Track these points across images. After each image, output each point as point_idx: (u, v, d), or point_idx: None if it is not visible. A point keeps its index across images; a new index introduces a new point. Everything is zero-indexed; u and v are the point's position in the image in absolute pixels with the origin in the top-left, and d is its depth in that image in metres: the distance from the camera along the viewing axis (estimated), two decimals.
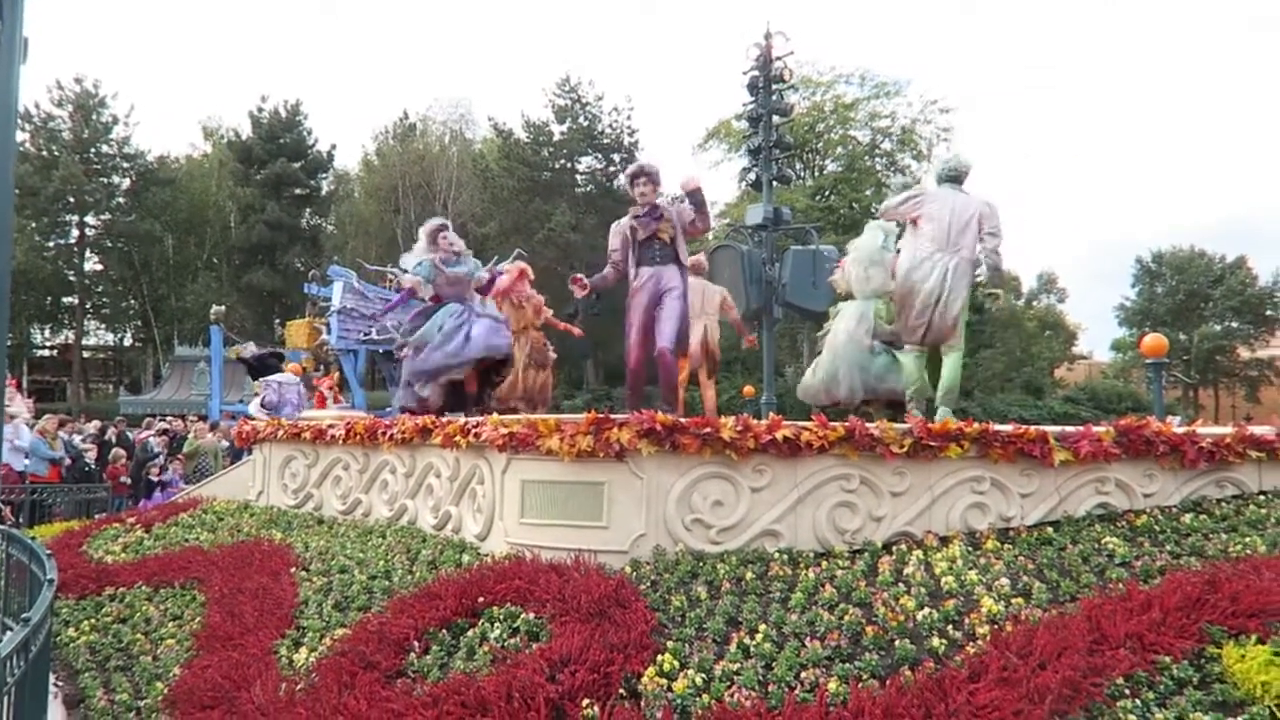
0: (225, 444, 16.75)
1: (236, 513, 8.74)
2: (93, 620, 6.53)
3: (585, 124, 41.96)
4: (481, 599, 4.83)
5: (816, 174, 41.41)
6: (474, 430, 6.17)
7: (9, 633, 2.99)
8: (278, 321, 38.46)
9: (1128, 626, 3.95)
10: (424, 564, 5.93)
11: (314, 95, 72.20)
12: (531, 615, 4.58)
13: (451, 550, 6.10)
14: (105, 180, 41.99)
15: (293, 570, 6.31)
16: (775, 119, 16.45)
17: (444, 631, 4.65)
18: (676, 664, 4.07)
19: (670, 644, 4.23)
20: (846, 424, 5.76)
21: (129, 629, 6.25)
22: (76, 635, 6.33)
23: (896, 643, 4.19)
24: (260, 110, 43.96)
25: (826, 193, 39.59)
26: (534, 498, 5.76)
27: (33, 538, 6.78)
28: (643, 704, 3.81)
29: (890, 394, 7.67)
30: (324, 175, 46.25)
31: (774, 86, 16.21)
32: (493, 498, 6.12)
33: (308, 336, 24.23)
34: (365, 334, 20.55)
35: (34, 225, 39.57)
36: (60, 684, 5.60)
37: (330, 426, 8.26)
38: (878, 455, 5.70)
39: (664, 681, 3.94)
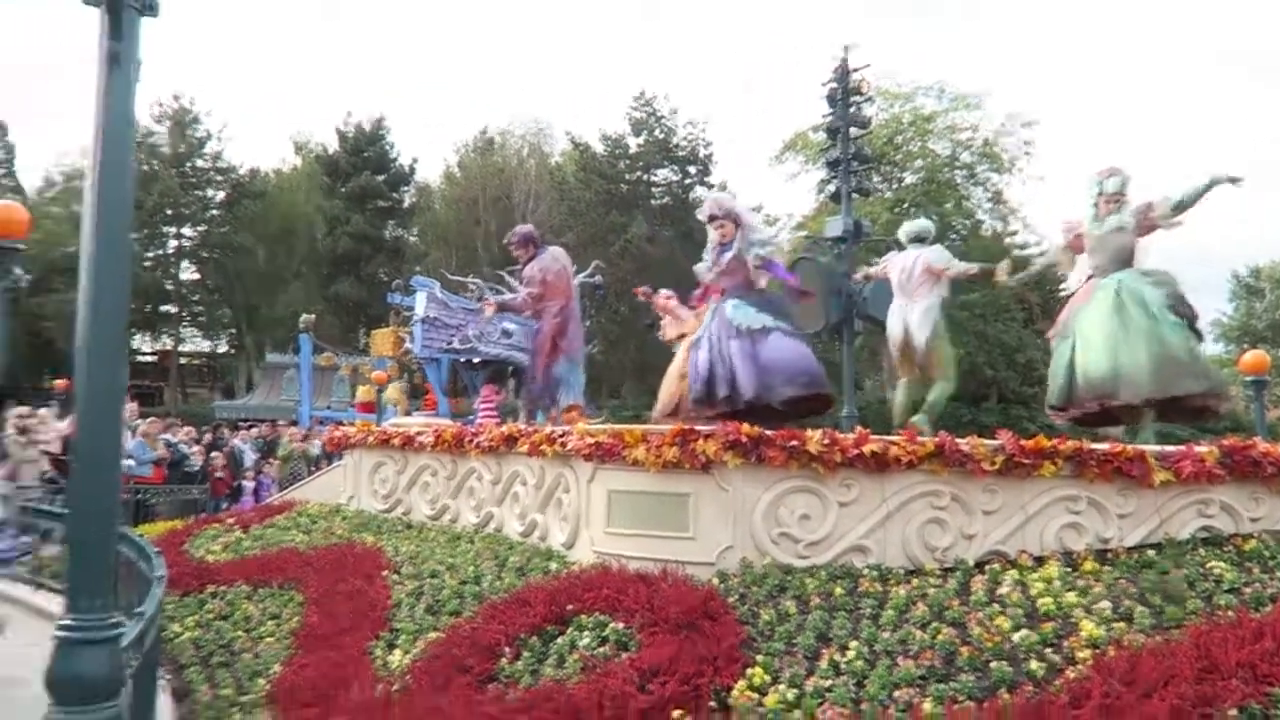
0: (316, 448, 17.27)
1: (329, 516, 9.00)
2: (196, 617, 6.77)
3: (661, 137, 42.13)
4: (570, 607, 4.89)
5: (895, 186, 40.81)
6: (560, 439, 6.26)
7: (127, 626, 3.14)
8: (363, 330, 39.47)
9: (1239, 655, 3.81)
10: (512, 570, 6.03)
11: (397, 111, 74.02)
12: (620, 625, 4.62)
13: (539, 558, 6.19)
14: (200, 194, 43.71)
15: (385, 573, 6.47)
16: (853, 131, 16.31)
17: (534, 638, 4.72)
18: (767, 678, 4.07)
19: (760, 658, 4.22)
20: (936, 439, 5.68)
21: (230, 626, 6.47)
22: (181, 631, 6.57)
23: (992, 664, 4.11)
24: (346, 125, 45.25)
25: (906, 205, 38.95)
26: (620, 508, 5.81)
27: (140, 535, 7.10)
28: (733, 717, 3.81)
29: None
30: (406, 188, 47.32)
31: (852, 99, 16.08)
32: (578, 507, 6.20)
33: (393, 345, 24.90)
34: (448, 343, 21.05)
35: (135, 236, 41.43)
36: (168, 677, 5.83)
37: (419, 433, 8.46)
38: (968, 472, 5.60)
39: (754, 695, 3.94)
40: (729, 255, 7.17)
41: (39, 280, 29.66)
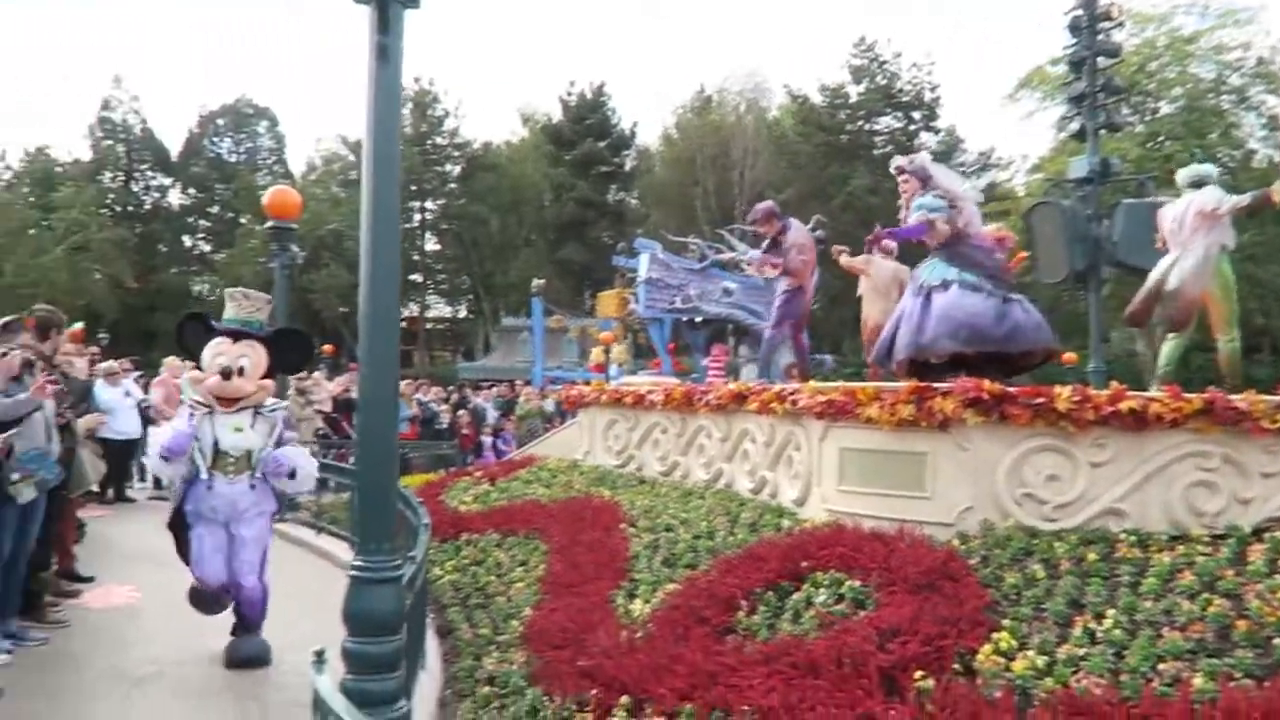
0: (550, 407, 18.18)
1: (567, 470, 9.49)
2: (453, 561, 7.35)
3: (883, 83, 40.47)
4: (805, 563, 4.91)
5: (1148, 118, 37.00)
6: (790, 397, 6.25)
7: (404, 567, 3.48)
8: (589, 293, 40.91)
9: None
10: (744, 526, 6.13)
11: (616, 77, 75.56)
12: (857, 583, 4.59)
13: (770, 514, 6.25)
14: (440, 169, 46.70)
15: (622, 526, 6.76)
16: (1101, 61, 14.88)
17: (769, 593, 4.79)
18: (1014, 643, 3.92)
19: (1007, 622, 4.07)
20: (1205, 396, 5.19)
21: (484, 571, 6.98)
22: (441, 574, 7.17)
23: (1275, 640, 3.75)
24: (569, 95, 46.71)
25: (1162, 139, 35.27)
26: (853, 466, 5.75)
27: (404, 487, 7.80)
28: (979, 681, 3.71)
29: None
30: (627, 152, 48.32)
31: (1100, 25, 14.67)
32: (809, 464, 6.18)
33: (617, 306, 25.63)
34: (671, 303, 21.43)
35: None
36: (432, 615, 6.40)
37: (649, 392, 8.71)
38: (1243, 431, 5.09)
39: (1001, 660, 3.81)
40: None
41: (309, 258, 32.76)
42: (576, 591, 5.61)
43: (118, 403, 10.89)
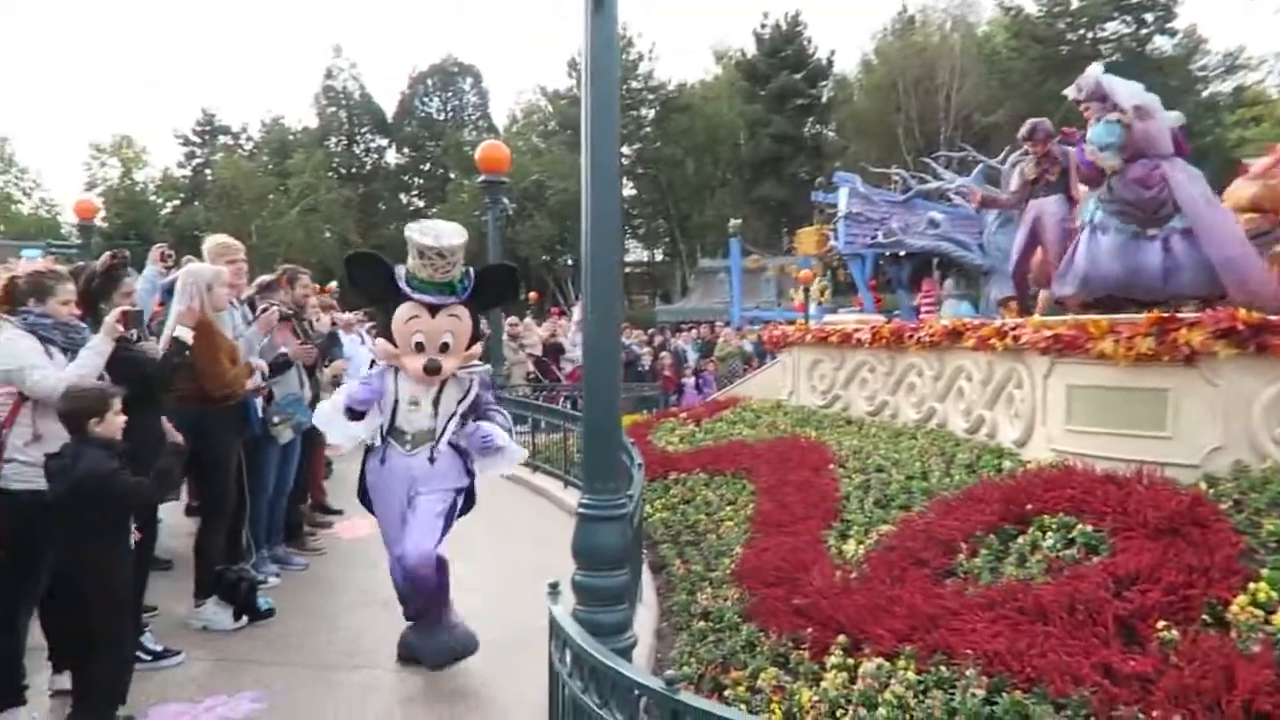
0: (749, 347, 18.16)
1: (771, 411, 9.47)
2: (663, 500, 7.54)
3: None
4: (1030, 506, 4.68)
5: None
6: (1011, 333, 5.92)
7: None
8: (786, 230, 40.31)
9: None
10: (961, 467, 5.91)
11: (812, 5, 72.89)
12: (1089, 527, 4.33)
13: (989, 455, 5.99)
14: (635, 114, 47.06)
15: (831, 466, 6.69)
16: None
17: (991, 536, 4.61)
18: (1275, 595, 3.58)
19: (1266, 571, 3.72)
20: None
21: (693, 509, 7.12)
22: (652, 512, 7.39)
23: None
24: (763, 27, 45.67)
25: None
26: (1082, 404, 5.40)
27: None
28: (1233, 635, 3.43)
29: None
30: (824, 83, 46.88)
31: None
32: (1033, 403, 5.86)
33: (817, 243, 25.10)
34: (872, 237, 20.71)
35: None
36: (646, 552, 6.61)
37: (855, 330, 8.51)
38: None
39: (1258, 613, 3.49)
40: None
41: (516, 210, 34.09)
42: (787, 530, 5.63)
43: (355, 351, 11.83)
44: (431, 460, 4.31)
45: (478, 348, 4.35)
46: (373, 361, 4.54)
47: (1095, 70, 6.86)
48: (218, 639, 4.95)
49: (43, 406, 3.82)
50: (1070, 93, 6.90)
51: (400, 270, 4.21)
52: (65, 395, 3.72)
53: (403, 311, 4.16)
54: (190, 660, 4.64)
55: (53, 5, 79.28)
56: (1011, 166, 8.16)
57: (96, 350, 3.89)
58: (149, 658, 4.51)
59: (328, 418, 4.41)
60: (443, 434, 4.31)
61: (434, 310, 4.16)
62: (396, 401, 4.30)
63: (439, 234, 4.11)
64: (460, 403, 4.33)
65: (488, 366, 4.43)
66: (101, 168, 54.03)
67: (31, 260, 7.26)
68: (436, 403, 4.29)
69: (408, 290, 4.17)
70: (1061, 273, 6.71)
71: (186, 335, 4.62)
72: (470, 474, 4.47)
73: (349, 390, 4.35)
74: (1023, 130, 8.10)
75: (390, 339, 4.22)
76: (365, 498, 4.57)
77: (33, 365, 3.79)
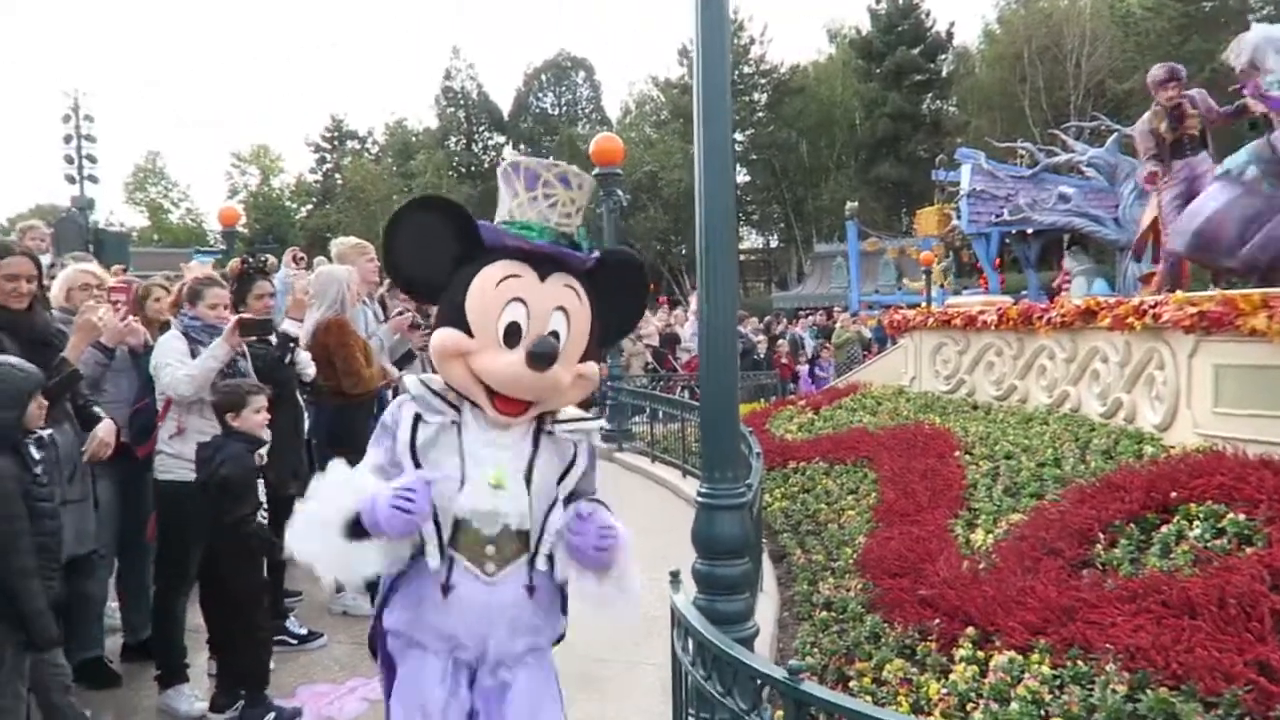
0: (869, 332, 17.80)
1: (893, 397, 9.26)
2: (782, 489, 7.48)
3: None
4: (1174, 494, 4.43)
5: None
6: (1151, 310, 5.62)
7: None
8: (904, 211, 39.25)
9: None
10: (1097, 453, 5.65)
11: None
12: (1241, 516, 4.07)
13: (1128, 440, 5.70)
14: (747, 99, 46.63)
15: (957, 453, 6.50)
16: None
17: (1131, 525, 4.39)
18: None
19: None
20: None
21: (813, 499, 7.03)
22: (771, 501, 7.33)
23: None
24: (878, 3, 44.50)
25: None
26: (1231, 384, 5.09)
27: None
28: None
29: None
30: (943, 56, 45.42)
31: None
32: (1176, 384, 5.55)
33: (938, 223, 24.34)
34: (998, 215, 19.94)
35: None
36: (766, 542, 6.58)
37: (981, 312, 8.24)
38: None
39: None
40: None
41: (631, 201, 34.37)
42: (912, 520, 5.50)
43: None
44: (531, 590, 2.28)
45: (594, 367, 2.34)
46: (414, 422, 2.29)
47: (1260, 30, 6.38)
48: (358, 623, 5.17)
49: (185, 403, 4.11)
50: (1229, 57, 6.42)
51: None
52: (212, 389, 3.99)
53: (492, 272, 2.20)
54: (332, 643, 4.88)
55: (185, 23, 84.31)
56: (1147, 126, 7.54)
57: (211, 354, 4.13)
58: (294, 641, 4.78)
59: (311, 533, 2.20)
60: (540, 537, 2.27)
61: (544, 271, 2.22)
62: (463, 479, 2.21)
63: (553, 159, 2.49)
64: (561, 481, 2.32)
65: (601, 422, 2.52)
66: (242, 175, 57.32)
67: (202, 265, 7.78)
68: (529, 478, 2.26)
69: (501, 235, 2.24)
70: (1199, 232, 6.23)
71: (294, 329, 4.87)
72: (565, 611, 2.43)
73: (367, 491, 2.16)
74: (1154, 74, 7.55)
75: (460, 324, 2.21)
76: (383, 646, 2.40)
77: (168, 364, 4.11)
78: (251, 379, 4.27)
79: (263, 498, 3.94)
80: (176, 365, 4.10)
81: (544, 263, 2.22)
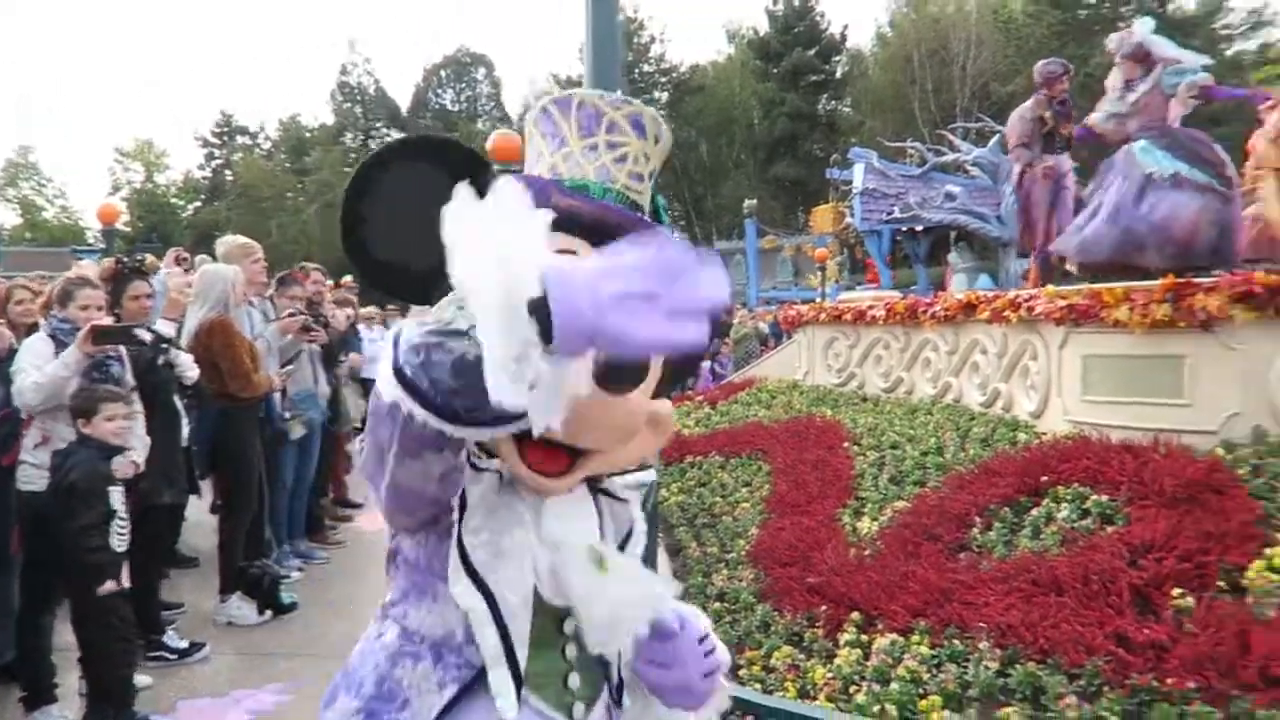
0: (765, 328, 18.09)
1: (787, 391, 9.44)
2: (679, 484, 7.54)
3: None
4: (1045, 478, 4.66)
5: None
6: (1025, 304, 5.87)
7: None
8: (801, 209, 40.06)
9: None
10: (976, 441, 5.88)
11: None
12: (1104, 497, 4.30)
13: (1004, 428, 5.96)
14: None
15: (846, 445, 6.67)
16: None
17: (1005, 509, 4.59)
18: None
19: None
20: None
21: (709, 492, 7.11)
22: (668, 495, 7.38)
23: None
24: (775, 4, 45.29)
25: None
26: (1098, 374, 5.35)
27: None
28: (1249, 600, 3.40)
29: None
30: (837, 58, 46.49)
31: None
32: (1048, 374, 5.82)
33: (833, 221, 24.97)
34: (889, 213, 20.56)
35: None
36: (662, 536, 6.62)
37: (870, 307, 8.47)
38: None
39: (1275, 578, 3.46)
40: (1141, 91, 6.40)
41: None
42: (803, 510, 5.62)
43: (374, 350, 11.92)
44: None
45: (669, 408, 1.37)
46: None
47: (1143, 28, 6.73)
48: (243, 633, 5.02)
49: (38, 411, 3.93)
50: (1111, 44, 6.78)
51: None
52: (69, 395, 3.81)
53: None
54: (216, 655, 4.72)
55: (60, 10, 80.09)
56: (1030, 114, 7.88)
57: (62, 362, 3.95)
58: (173, 655, 4.59)
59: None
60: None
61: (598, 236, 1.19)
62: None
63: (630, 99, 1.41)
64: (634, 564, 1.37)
65: (652, 472, 1.60)
66: (125, 171, 54.75)
67: (92, 264, 7.39)
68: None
69: (548, 189, 1.23)
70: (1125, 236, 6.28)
71: (168, 330, 4.69)
72: None
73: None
74: (1049, 68, 7.88)
75: None
76: None
77: (22, 370, 3.93)
78: (129, 384, 4.08)
79: (119, 507, 3.74)
80: (30, 371, 3.90)
81: (609, 237, 1.14)
